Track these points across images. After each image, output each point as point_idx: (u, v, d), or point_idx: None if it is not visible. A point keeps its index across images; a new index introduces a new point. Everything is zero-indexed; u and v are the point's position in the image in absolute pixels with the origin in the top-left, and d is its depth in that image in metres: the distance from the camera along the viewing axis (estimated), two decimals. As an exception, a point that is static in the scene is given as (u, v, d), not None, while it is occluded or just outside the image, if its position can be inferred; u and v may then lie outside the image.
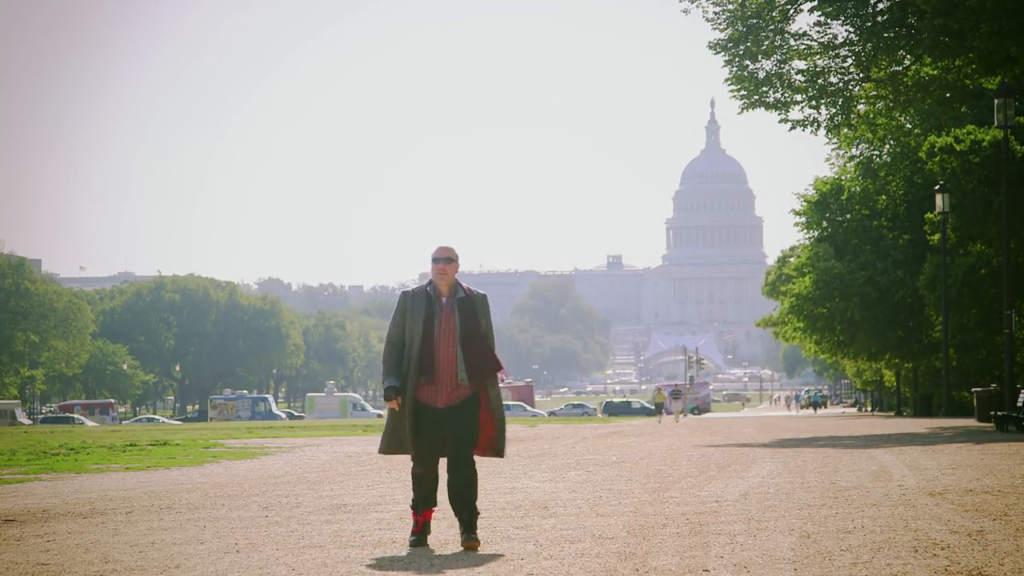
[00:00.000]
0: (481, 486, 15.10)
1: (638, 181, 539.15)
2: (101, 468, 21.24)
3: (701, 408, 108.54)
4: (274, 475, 18.78)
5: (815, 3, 34.56)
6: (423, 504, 9.72)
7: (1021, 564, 8.15)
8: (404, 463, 21.37)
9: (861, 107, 38.07)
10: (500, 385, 10.02)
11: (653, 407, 66.26)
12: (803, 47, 35.71)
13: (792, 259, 70.49)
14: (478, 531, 9.83)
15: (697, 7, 35.48)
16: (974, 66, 34.04)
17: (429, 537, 9.84)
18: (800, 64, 36.14)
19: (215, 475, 19.02)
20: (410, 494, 10.08)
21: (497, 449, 9.71)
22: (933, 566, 8.08)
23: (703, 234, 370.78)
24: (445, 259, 9.74)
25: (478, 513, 9.60)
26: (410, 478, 9.72)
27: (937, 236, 45.84)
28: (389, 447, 9.74)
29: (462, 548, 9.41)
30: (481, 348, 9.62)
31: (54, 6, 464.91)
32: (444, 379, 9.57)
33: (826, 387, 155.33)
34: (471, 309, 9.69)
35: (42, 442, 34.62)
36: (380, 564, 8.80)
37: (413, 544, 9.65)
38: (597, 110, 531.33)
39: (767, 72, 36.02)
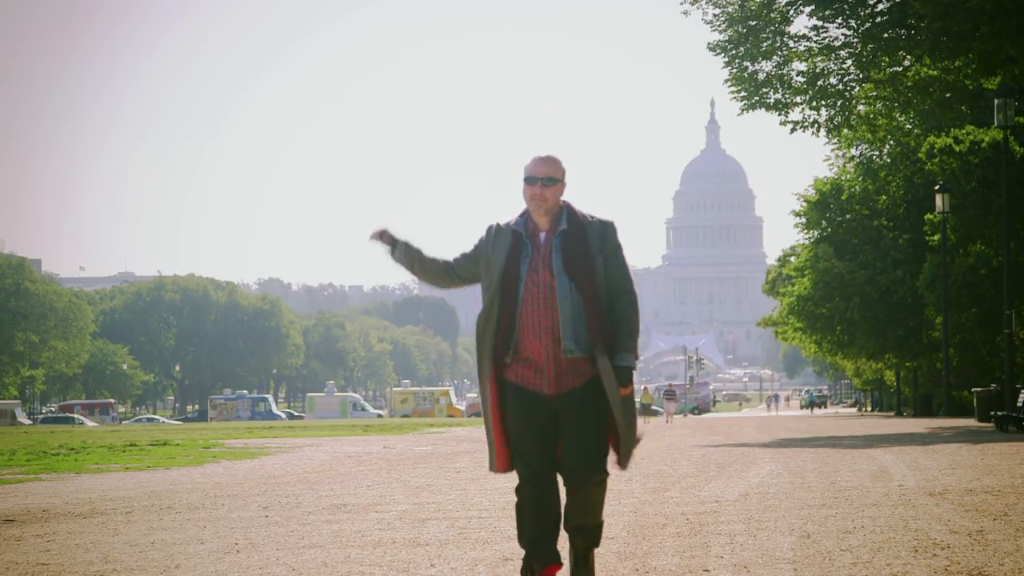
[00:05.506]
0: (480, 486, 15.06)
1: (638, 181, 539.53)
2: (101, 468, 21.22)
3: (701, 408, 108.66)
4: (274, 475, 18.76)
5: (813, 6, 34.56)
6: (538, 560, 6.58)
7: (1021, 564, 8.14)
8: (406, 464, 21.26)
9: (861, 108, 38.08)
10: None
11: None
12: (803, 48, 35.73)
13: (792, 259, 70.49)
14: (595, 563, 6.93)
15: (697, 9, 35.56)
16: (974, 67, 34.05)
17: None
18: (800, 65, 36.17)
19: (215, 475, 18.99)
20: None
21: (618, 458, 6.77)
22: (933, 566, 8.07)
23: (703, 234, 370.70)
24: (544, 178, 6.44)
25: (596, 542, 6.77)
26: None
27: (937, 236, 45.85)
28: (497, 461, 6.66)
29: None
30: (596, 300, 6.53)
31: (54, 6, 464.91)
32: (539, 353, 6.51)
33: (826, 387, 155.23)
34: (581, 242, 6.47)
35: (42, 442, 34.60)
36: (380, 564, 8.78)
37: None
38: (597, 110, 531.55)
39: (767, 73, 36.05)
